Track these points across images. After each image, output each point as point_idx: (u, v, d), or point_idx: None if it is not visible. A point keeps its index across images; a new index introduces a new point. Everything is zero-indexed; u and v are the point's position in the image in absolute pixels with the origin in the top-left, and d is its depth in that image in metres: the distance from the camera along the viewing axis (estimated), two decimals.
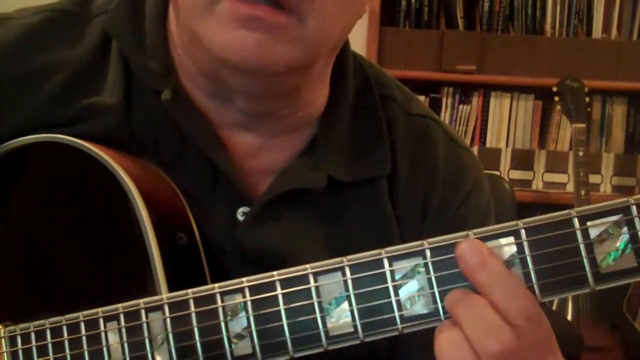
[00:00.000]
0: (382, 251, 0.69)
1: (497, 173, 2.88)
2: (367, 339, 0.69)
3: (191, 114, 0.90)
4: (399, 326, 0.69)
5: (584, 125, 2.63)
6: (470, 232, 0.68)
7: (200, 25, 0.81)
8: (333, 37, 0.86)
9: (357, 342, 0.70)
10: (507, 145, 2.93)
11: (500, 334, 0.66)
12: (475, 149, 2.90)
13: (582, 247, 0.67)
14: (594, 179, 2.81)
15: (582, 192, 2.53)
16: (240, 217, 0.91)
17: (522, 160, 2.93)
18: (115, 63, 0.92)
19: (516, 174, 2.93)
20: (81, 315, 0.77)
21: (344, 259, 0.70)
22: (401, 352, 0.97)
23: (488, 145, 2.93)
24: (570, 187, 2.87)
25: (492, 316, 0.67)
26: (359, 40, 2.81)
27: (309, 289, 0.70)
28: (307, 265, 0.71)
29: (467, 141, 2.89)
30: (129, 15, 0.93)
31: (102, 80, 0.91)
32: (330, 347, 0.70)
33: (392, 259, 0.69)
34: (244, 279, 0.72)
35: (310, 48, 0.83)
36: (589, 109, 2.70)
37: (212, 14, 0.79)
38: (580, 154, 2.58)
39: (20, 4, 0.98)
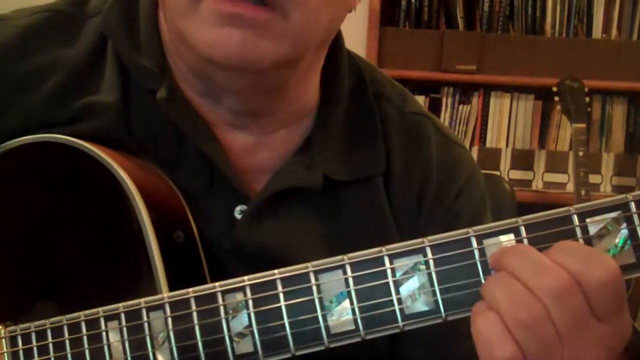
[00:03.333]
0: (383, 249, 0.69)
1: (497, 173, 2.87)
2: (369, 337, 0.69)
3: (186, 112, 0.90)
4: (400, 323, 0.69)
5: (584, 125, 2.62)
6: (470, 229, 0.68)
7: (185, 24, 0.81)
8: (319, 31, 0.86)
9: (358, 339, 0.70)
10: (507, 145, 2.92)
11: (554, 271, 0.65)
12: (475, 149, 2.90)
13: (581, 242, 0.67)
14: (594, 179, 2.80)
15: (582, 192, 2.52)
16: (237, 216, 0.91)
17: (522, 160, 2.93)
18: (111, 63, 0.92)
19: (516, 174, 2.92)
20: (82, 314, 0.77)
21: (345, 257, 0.70)
22: (403, 350, 0.97)
23: (488, 145, 2.92)
24: (570, 187, 2.86)
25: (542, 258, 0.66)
26: (359, 40, 2.81)
27: (310, 287, 0.70)
28: (308, 264, 0.71)
29: (467, 141, 2.89)
30: (123, 15, 0.93)
31: (99, 80, 0.92)
32: (332, 345, 0.70)
33: (392, 257, 0.69)
34: (245, 278, 0.72)
35: (296, 43, 0.83)
36: (589, 109, 2.69)
37: (196, 13, 0.80)
38: (580, 154, 2.57)
39: (20, 4, 0.98)
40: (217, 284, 0.73)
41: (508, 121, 2.92)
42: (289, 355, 0.71)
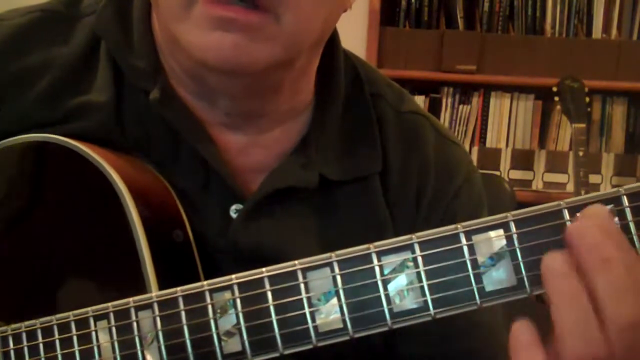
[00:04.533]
0: (371, 246, 0.69)
1: (497, 173, 2.88)
2: (357, 335, 0.69)
3: (180, 113, 0.90)
4: (389, 322, 0.68)
5: (584, 125, 2.62)
6: (459, 225, 0.67)
7: (177, 27, 0.81)
8: (313, 32, 0.85)
9: (347, 338, 0.69)
10: (507, 145, 2.93)
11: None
12: (475, 149, 2.90)
13: None
14: (594, 179, 2.80)
15: (582, 192, 2.52)
16: (233, 215, 0.91)
17: (522, 160, 2.93)
18: (104, 62, 0.92)
19: (516, 174, 2.93)
20: (71, 314, 0.77)
21: (333, 254, 0.69)
22: (401, 349, 0.97)
23: (488, 145, 2.92)
24: (570, 187, 2.87)
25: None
26: (359, 40, 2.81)
27: (298, 285, 0.69)
28: (296, 262, 0.70)
29: (467, 141, 2.90)
30: (116, 16, 0.93)
31: (92, 80, 0.92)
32: (320, 344, 0.69)
33: (380, 254, 0.68)
34: (232, 276, 0.71)
35: (289, 45, 0.82)
36: (589, 109, 2.69)
37: (188, 17, 0.79)
38: (580, 154, 2.57)
39: (18, 4, 0.98)
40: (205, 282, 0.72)
41: (508, 121, 2.92)
42: (277, 354, 0.70)
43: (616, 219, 0.65)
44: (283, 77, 0.89)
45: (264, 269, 0.71)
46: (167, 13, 0.83)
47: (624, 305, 0.61)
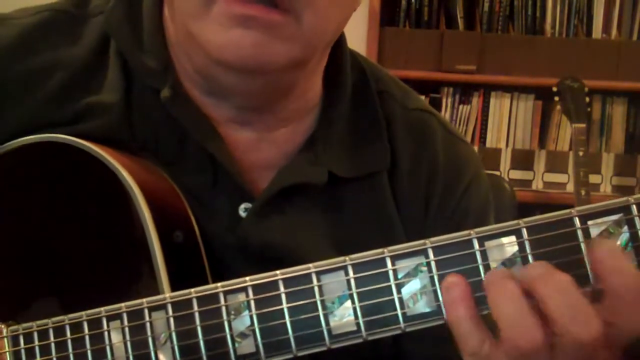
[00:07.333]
0: (385, 250, 0.69)
1: (497, 173, 2.87)
2: (370, 338, 0.69)
3: (190, 111, 0.91)
4: (402, 325, 0.69)
5: (584, 125, 2.62)
6: (472, 231, 0.68)
7: (196, 25, 0.82)
8: (329, 32, 0.86)
9: (360, 340, 0.69)
10: (507, 145, 2.93)
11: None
12: (475, 149, 2.90)
13: (583, 245, 0.66)
14: (594, 179, 2.81)
15: (582, 192, 2.53)
16: (242, 214, 0.91)
17: (522, 160, 2.93)
18: (114, 62, 0.92)
19: (516, 174, 2.93)
20: (84, 314, 0.77)
21: (347, 258, 0.70)
22: (407, 347, 0.98)
23: (488, 145, 2.93)
24: (570, 187, 2.87)
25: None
26: (359, 40, 2.81)
27: (312, 287, 0.70)
28: (310, 265, 0.71)
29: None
30: (127, 14, 0.93)
31: (101, 80, 0.92)
32: (334, 346, 0.70)
33: (394, 258, 0.69)
34: (247, 278, 0.72)
35: (307, 45, 0.83)
36: (589, 109, 2.69)
37: (208, 15, 0.80)
38: (580, 154, 2.58)
39: (21, 4, 0.99)
40: (219, 284, 0.73)
41: (508, 121, 2.92)
42: (290, 356, 0.71)
43: (625, 227, 0.66)
44: (296, 77, 0.90)
45: (278, 272, 0.71)
46: (184, 11, 0.83)
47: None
